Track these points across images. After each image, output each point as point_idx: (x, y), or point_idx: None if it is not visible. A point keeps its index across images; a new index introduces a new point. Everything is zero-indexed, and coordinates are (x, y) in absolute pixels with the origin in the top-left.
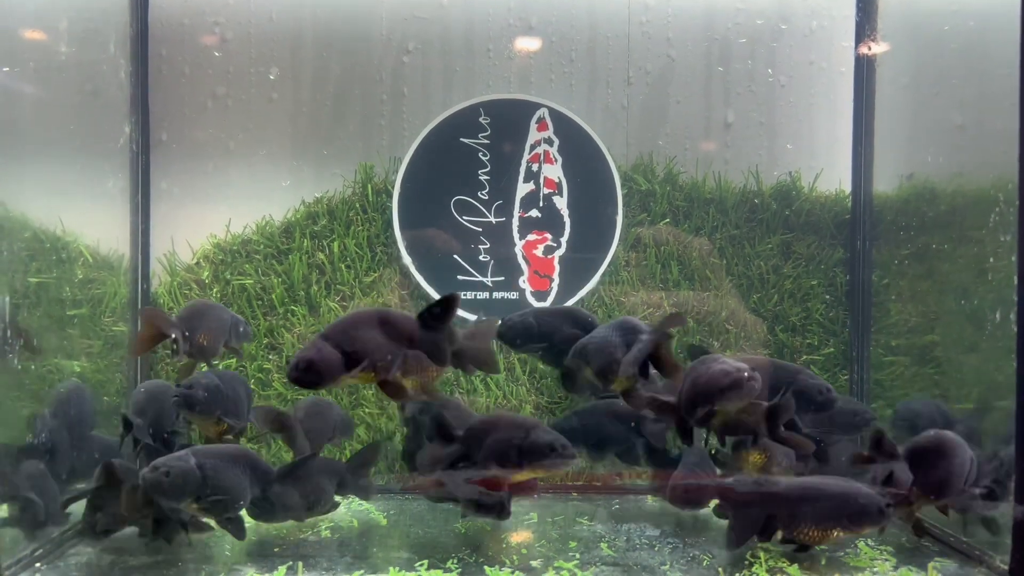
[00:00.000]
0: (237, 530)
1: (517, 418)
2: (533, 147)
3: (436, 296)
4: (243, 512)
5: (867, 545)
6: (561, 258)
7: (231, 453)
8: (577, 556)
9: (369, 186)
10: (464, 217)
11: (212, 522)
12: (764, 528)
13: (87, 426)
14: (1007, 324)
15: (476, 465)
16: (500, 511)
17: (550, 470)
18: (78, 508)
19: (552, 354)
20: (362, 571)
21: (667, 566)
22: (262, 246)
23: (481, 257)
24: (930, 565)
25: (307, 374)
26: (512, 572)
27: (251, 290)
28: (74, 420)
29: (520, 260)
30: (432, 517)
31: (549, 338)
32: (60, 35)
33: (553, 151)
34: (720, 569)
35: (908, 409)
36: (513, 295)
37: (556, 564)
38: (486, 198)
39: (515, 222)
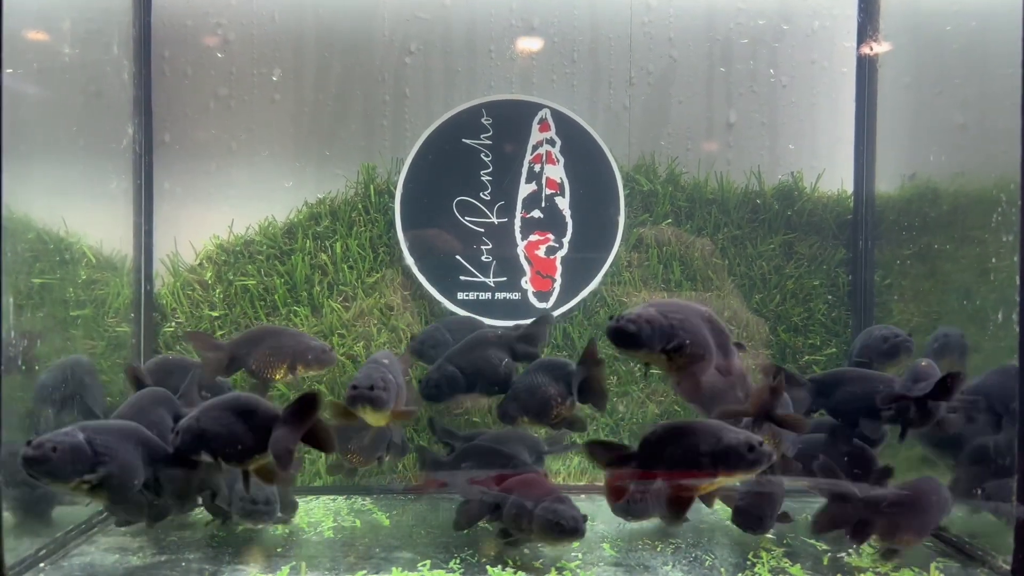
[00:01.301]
0: (132, 513)
1: (699, 423)
2: (535, 148)
3: (439, 297)
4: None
5: (869, 545)
6: (563, 259)
7: (123, 429)
8: (579, 556)
9: (371, 187)
10: (466, 218)
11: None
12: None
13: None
14: (1009, 324)
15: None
16: (575, 532)
17: (748, 472)
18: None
19: (486, 387)
20: (365, 571)
21: (669, 566)
22: (265, 247)
23: (483, 258)
24: (932, 565)
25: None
26: (515, 572)
27: (254, 291)
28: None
29: (522, 261)
30: (434, 517)
31: (476, 376)
32: (63, 36)
33: (555, 152)
34: (723, 569)
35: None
36: (515, 295)
37: (559, 564)
38: (488, 199)
39: (517, 223)
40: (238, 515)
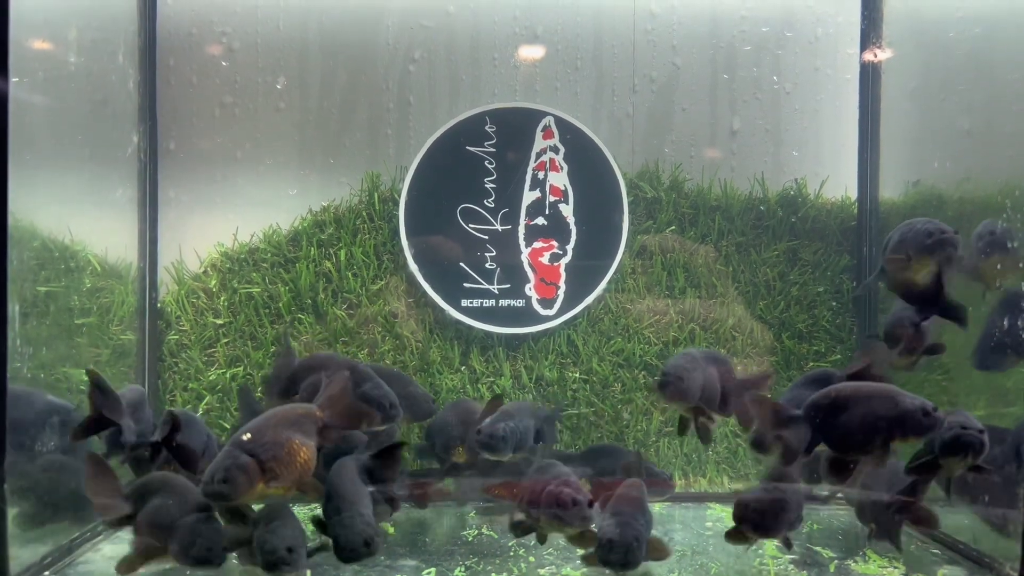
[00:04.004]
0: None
1: (870, 388)
2: (539, 155)
3: (443, 304)
4: None
5: (875, 552)
6: (567, 266)
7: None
8: (584, 566)
9: (376, 194)
10: (470, 225)
11: None
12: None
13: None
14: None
15: (833, 444)
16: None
17: (921, 438)
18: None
19: None
20: None
21: (675, 573)
22: (269, 254)
23: (487, 265)
24: (939, 572)
25: None
26: None
27: (258, 298)
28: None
29: (526, 268)
30: (439, 524)
31: None
32: (69, 45)
33: (559, 159)
34: None
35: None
36: (519, 302)
37: (563, 572)
38: (492, 206)
39: (521, 230)
40: (260, 567)
